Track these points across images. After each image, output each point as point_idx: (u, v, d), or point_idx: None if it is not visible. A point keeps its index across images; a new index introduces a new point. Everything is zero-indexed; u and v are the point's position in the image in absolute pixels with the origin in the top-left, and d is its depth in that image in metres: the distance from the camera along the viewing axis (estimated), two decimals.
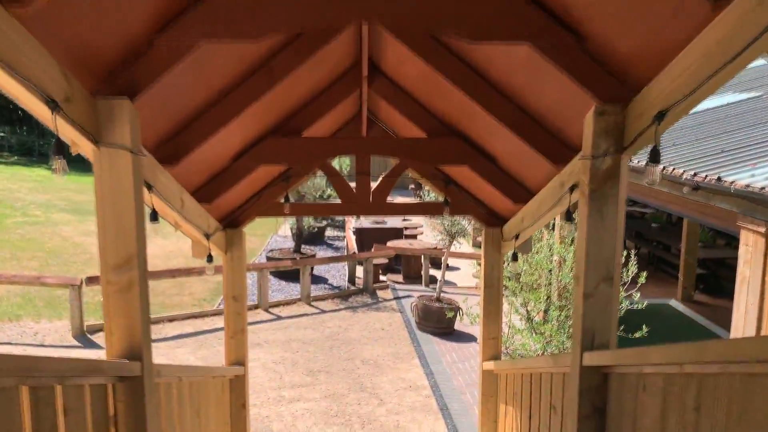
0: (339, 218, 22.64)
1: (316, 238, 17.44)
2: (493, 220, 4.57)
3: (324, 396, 7.95)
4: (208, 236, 3.88)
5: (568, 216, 4.17)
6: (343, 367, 9.01)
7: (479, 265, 14.61)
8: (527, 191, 3.80)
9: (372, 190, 4.56)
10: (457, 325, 11.15)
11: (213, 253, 4.23)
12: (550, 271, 6.42)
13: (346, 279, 13.82)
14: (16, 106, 40.73)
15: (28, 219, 18.19)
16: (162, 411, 2.97)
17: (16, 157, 34.97)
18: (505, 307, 7.56)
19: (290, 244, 16.59)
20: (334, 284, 13.65)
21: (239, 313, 4.65)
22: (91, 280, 9.19)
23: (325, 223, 19.01)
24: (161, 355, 8.68)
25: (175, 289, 12.05)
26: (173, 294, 11.78)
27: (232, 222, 4.42)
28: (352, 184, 4.47)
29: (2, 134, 39.72)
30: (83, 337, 9.00)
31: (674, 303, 12.01)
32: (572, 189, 2.99)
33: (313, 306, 11.88)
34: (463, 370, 9.30)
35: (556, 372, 3.20)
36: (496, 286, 4.65)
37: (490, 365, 4.63)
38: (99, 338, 9.08)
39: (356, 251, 13.93)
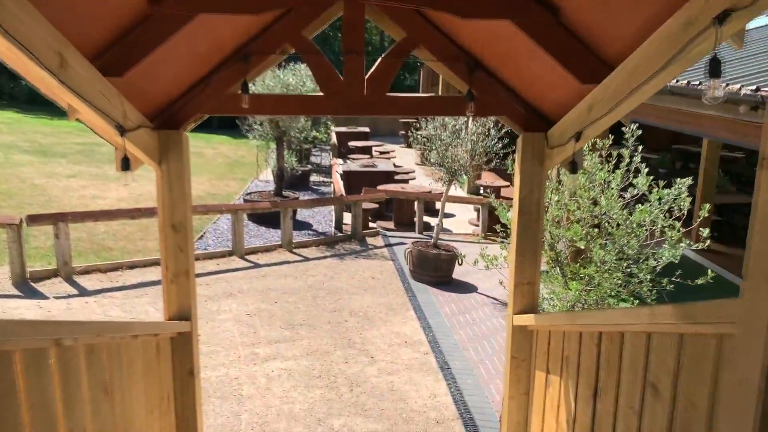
0: (324, 162, 21.26)
1: (300, 182, 16.10)
2: (534, 120, 3.30)
3: (305, 353, 6.79)
4: (122, 131, 2.58)
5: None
6: (328, 319, 7.85)
7: (476, 210, 13.36)
8: (603, 63, 2.53)
9: (366, 77, 3.25)
10: (455, 274, 10.01)
11: (138, 162, 2.95)
12: (594, 201, 5.18)
13: (333, 225, 12.57)
14: None
15: None
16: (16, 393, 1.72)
17: None
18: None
19: (272, 188, 15.27)
20: (319, 231, 12.41)
21: (182, 249, 3.38)
22: (34, 219, 7.86)
23: (309, 166, 17.68)
24: (116, 306, 7.46)
25: (140, 234, 10.76)
26: (138, 239, 10.49)
27: (169, 120, 3.12)
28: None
29: None
30: (25, 286, 7.73)
31: (688, 252, 10.94)
32: (720, 20, 1.73)
33: (295, 253, 10.66)
34: (464, 323, 8.18)
35: (670, 333, 2.01)
36: (535, 213, 3.40)
37: (525, 319, 3.43)
38: (43, 286, 7.81)
39: (344, 194, 12.65)
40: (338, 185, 13.81)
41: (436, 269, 9.70)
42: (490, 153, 9.36)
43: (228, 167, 19.61)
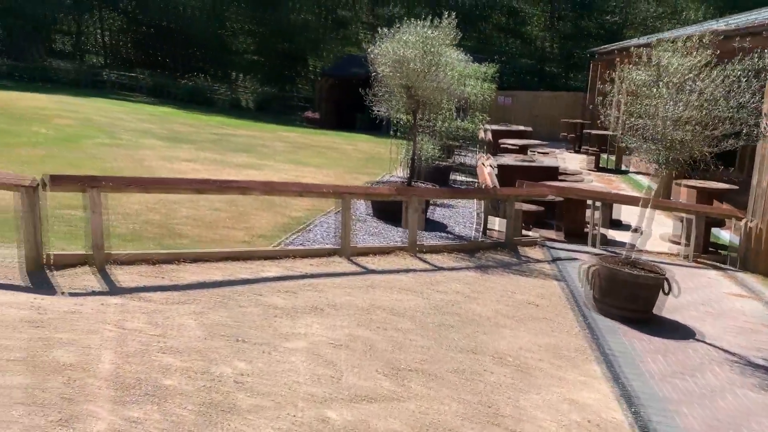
0: (470, 162, 18.20)
1: (438, 177, 13.16)
2: None
3: (413, 427, 3.84)
4: None
5: None
6: (458, 366, 4.85)
7: (681, 221, 9.57)
8: None
9: None
10: (659, 309, 6.60)
11: None
12: None
13: (477, 227, 9.52)
14: (155, 51, 40.33)
15: (110, 141, 15.63)
16: None
17: (148, 98, 34.17)
18: None
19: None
20: (457, 234, 9.42)
21: None
22: (58, 181, 5.64)
23: (450, 160, 14.76)
24: (143, 314, 4.98)
25: (230, 221, 8.44)
26: (222, 227, 8.16)
27: None
28: None
29: (142, 76, 39.92)
30: (39, 274, 5.53)
31: None
32: None
33: (421, 259, 7.76)
34: (690, 395, 4.82)
35: None
36: None
37: None
38: (61, 277, 5.57)
39: (497, 185, 9.55)
40: (486, 176, 10.70)
41: (631, 298, 6.32)
42: (738, 121, 5.80)
43: (361, 162, 17.26)
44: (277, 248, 7.34)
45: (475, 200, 11.18)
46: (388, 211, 9.20)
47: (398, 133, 12.52)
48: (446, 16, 9.38)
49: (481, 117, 17.53)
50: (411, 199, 7.75)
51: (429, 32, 8.96)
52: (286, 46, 36.97)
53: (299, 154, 17.43)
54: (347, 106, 30.12)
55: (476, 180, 14.49)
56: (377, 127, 28.12)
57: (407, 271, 7.25)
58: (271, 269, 6.63)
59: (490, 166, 11.53)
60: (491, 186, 9.51)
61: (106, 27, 42.97)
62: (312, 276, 6.58)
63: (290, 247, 7.44)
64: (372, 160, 17.59)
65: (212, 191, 6.73)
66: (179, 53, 40.34)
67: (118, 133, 17.45)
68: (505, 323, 5.99)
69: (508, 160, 12.20)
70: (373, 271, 7.08)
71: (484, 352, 5.23)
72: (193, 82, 37.58)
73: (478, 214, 10.66)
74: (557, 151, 19.50)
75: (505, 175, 11.24)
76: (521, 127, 20.20)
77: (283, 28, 35.98)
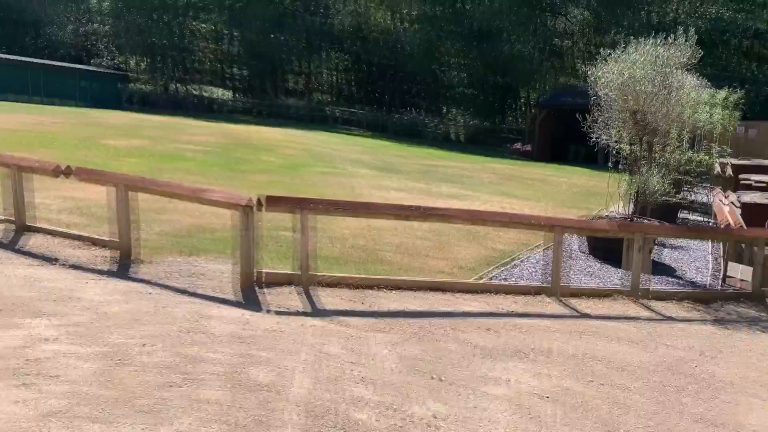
0: (702, 199, 16.10)
1: (664, 215, 11.72)
2: None
3: None
4: None
5: None
6: None
7: None
8: None
9: None
10: None
11: None
12: None
13: (713, 273, 8.17)
14: (374, 87, 43.20)
15: (327, 170, 16.60)
16: None
17: (365, 131, 36.38)
18: None
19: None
20: (688, 279, 8.16)
21: None
22: (275, 202, 5.83)
23: (679, 196, 13.10)
24: (341, 339, 4.85)
25: (434, 250, 8.20)
26: (427, 255, 7.94)
27: None
28: None
29: (361, 111, 42.91)
30: (249, 291, 5.72)
31: None
32: None
33: (645, 306, 6.76)
34: None
35: None
36: None
37: None
38: (269, 295, 5.69)
39: (742, 224, 8.15)
40: (726, 214, 9.22)
41: None
42: None
43: (574, 195, 16.21)
44: (479, 282, 6.91)
45: (710, 242, 9.69)
46: (606, 249, 8.28)
47: (618, 165, 11.47)
48: (681, 32, 8.34)
49: (718, 149, 15.51)
50: (635, 237, 6.82)
51: (661, 51, 7.99)
52: (499, 78, 36.85)
53: (506, 185, 16.91)
54: (561, 138, 28.95)
55: (710, 219, 12.71)
56: (593, 160, 26.58)
57: (628, 318, 6.33)
58: (472, 304, 6.20)
59: (731, 203, 9.93)
60: (734, 225, 8.11)
61: (333, 67, 46.81)
62: (516, 315, 6.02)
63: (493, 282, 6.95)
64: (586, 194, 16.44)
65: (415, 218, 6.54)
66: (396, 89, 42.41)
67: (334, 162, 18.51)
68: (756, 392, 4.86)
69: (755, 197, 10.43)
70: (587, 316, 6.29)
71: (726, 425, 4.23)
72: (407, 116, 39.15)
73: (714, 258, 9.21)
74: None
75: (751, 214, 9.58)
76: None
77: (497, 61, 35.92)
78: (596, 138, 9.21)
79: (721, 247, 8.54)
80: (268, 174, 14.49)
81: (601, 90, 8.48)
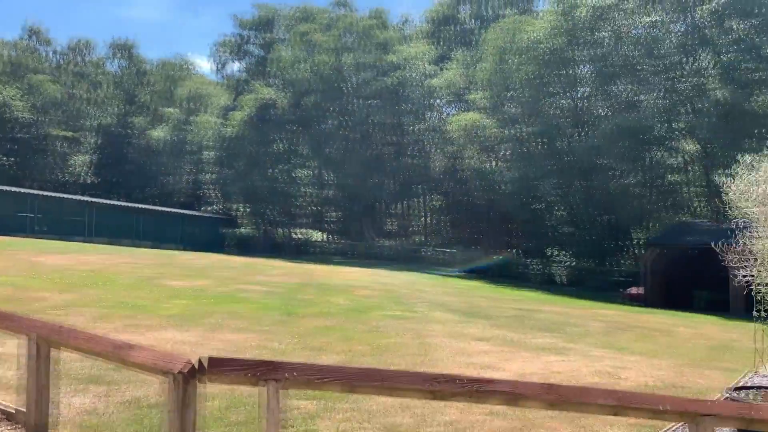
0: None
1: None
2: None
3: None
4: None
5: None
6: None
7: None
8: None
9: None
10: None
11: None
12: None
13: None
14: (470, 227, 41.40)
15: (400, 314, 14.42)
16: None
17: (458, 272, 34.28)
18: None
19: None
20: None
21: None
22: (218, 366, 3.74)
23: None
24: None
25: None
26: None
27: None
28: None
29: (456, 251, 40.99)
30: None
31: None
32: None
33: None
34: None
35: None
36: None
37: None
38: None
39: None
40: None
41: None
42: None
43: (707, 351, 12.87)
44: None
45: None
46: None
47: (763, 312, 8.61)
48: None
49: None
50: None
51: None
52: (606, 217, 33.99)
53: (618, 336, 13.85)
54: (680, 281, 25.36)
55: None
56: (723, 307, 22.64)
57: None
58: None
59: None
60: None
61: (428, 208, 46.02)
62: None
63: None
64: (723, 350, 13.04)
65: (457, 396, 4.00)
66: (491, 229, 40.48)
67: (413, 305, 16.34)
68: None
69: None
70: None
71: None
72: (504, 256, 36.72)
73: None
74: None
75: None
76: None
77: (601, 198, 33.30)
78: (742, 278, 6.59)
79: None
80: (328, 318, 12.54)
81: (742, 209, 6.07)
